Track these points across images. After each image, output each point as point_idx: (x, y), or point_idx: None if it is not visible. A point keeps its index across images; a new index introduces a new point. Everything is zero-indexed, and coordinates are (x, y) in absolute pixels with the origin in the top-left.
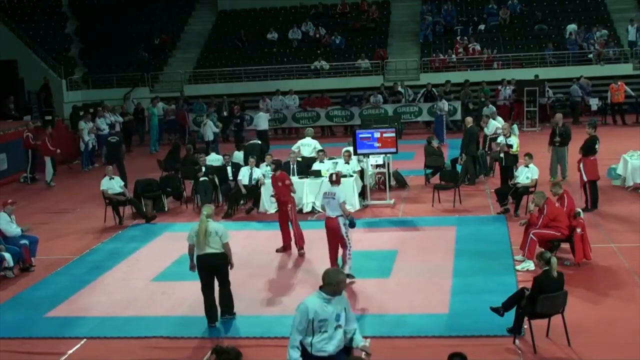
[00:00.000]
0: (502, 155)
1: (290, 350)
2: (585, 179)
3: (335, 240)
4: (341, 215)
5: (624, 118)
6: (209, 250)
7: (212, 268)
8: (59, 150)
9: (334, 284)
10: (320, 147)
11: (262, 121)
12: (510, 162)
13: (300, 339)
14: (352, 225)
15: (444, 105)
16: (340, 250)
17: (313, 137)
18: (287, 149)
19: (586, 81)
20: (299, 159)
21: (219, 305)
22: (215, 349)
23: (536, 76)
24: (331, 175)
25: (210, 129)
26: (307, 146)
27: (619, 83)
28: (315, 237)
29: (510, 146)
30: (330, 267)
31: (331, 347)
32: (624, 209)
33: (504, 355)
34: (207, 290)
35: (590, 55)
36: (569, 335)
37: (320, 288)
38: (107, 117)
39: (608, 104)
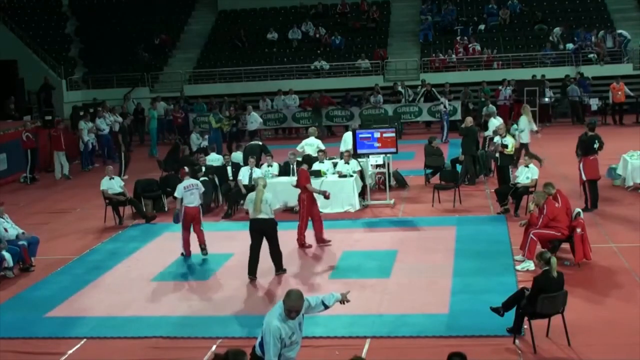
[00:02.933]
0: (497, 155)
1: None
2: (584, 178)
3: (197, 225)
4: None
5: (622, 118)
6: (260, 216)
7: (262, 230)
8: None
9: (289, 308)
10: (323, 147)
11: (254, 121)
12: (505, 162)
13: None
14: (176, 220)
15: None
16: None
17: (316, 137)
18: (287, 149)
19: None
20: (299, 159)
21: (273, 262)
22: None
23: (543, 76)
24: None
25: (193, 142)
26: (311, 146)
27: (620, 82)
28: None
29: (505, 146)
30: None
31: (294, 353)
32: (624, 209)
33: (504, 355)
34: (254, 247)
35: (591, 56)
36: (569, 335)
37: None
38: (107, 117)
39: (608, 103)
